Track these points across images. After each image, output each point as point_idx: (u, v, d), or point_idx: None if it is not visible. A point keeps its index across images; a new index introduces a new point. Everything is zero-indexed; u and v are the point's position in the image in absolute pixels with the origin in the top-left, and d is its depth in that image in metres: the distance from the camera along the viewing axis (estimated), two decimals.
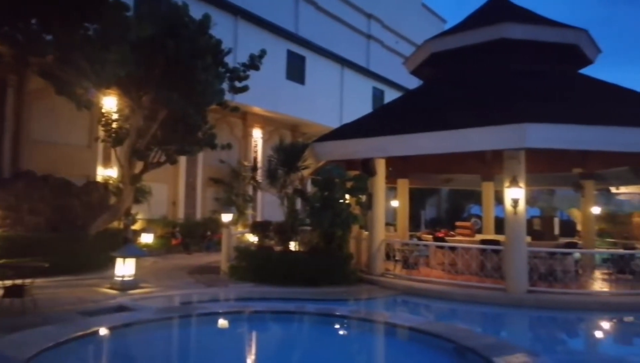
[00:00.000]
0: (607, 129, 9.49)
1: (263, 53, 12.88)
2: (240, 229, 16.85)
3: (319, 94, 21.88)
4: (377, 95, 25.91)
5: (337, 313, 7.69)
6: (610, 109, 10.27)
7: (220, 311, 8.17)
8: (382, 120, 12.98)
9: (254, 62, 12.84)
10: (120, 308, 7.71)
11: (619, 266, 10.76)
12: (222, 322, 7.81)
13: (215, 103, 12.42)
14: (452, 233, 14.28)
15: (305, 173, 13.21)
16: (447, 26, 29.76)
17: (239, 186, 19.47)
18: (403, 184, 16.36)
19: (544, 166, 14.82)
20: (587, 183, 14.68)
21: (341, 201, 11.39)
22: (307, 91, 21.28)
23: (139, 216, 15.84)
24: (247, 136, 20.79)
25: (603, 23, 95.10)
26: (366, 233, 12.31)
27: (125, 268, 9.35)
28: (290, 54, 20.61)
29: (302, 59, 21.21)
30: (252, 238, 13.33)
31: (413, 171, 16.27)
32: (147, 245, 15.14)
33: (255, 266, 10.90)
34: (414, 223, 24.28)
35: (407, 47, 28.42)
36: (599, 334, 8.71)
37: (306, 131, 22.50)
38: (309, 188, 13.79)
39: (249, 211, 19.65)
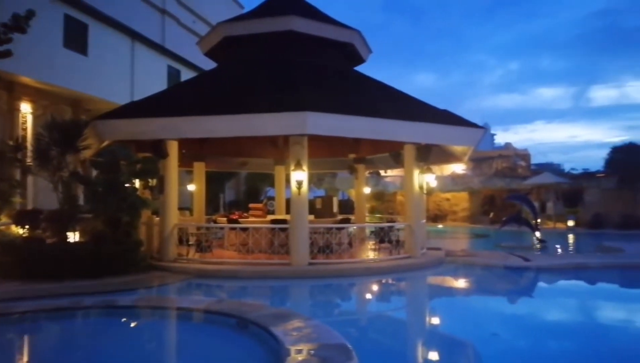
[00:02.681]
0: (373, 120, 11.07)
1: (31, 14, 11.06)
2: (5, 220, 14.31)
3: (105, 68, 19.75)
4: (173, 74, 24.75)
5: (120, 304, 7.25)
6: (376, 102, 12.01)
7: None
8: (174, 100, 12.57)
9: (19, 24, 10.95)
10: None
11: (381, 237, 12.74)
12: None
13: None
14: (245, 214, 14.83)
15: (87, 153, 11.96)
16: (244, 12, 30.09)
17: (3, 169, 16.42)
18: (199, 168, 16.23)
19: (325, 151, 16.50)
20: (360, 167, 16.92)
21: (128, 184, 10.69)
22: (90, 63, 18.98)
23: None
24: (13, 111, 17.56)
25: (379, 28, 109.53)
26: (158, 218, 11.87)
27: None
28: (69, 20, 18.06)
29: (84, 27, 18.78)
30: (21, 230, 11.53)
31: (209, 153, 16.27)
32: None
33: (22, 262, 9.45)
34: (213, 206, 24.32)
35: (205, 28, 27.81)
36: (364, 295, 10.24)
37: (91, 108, 20.09)
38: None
39: (17, 199, 16.78)
